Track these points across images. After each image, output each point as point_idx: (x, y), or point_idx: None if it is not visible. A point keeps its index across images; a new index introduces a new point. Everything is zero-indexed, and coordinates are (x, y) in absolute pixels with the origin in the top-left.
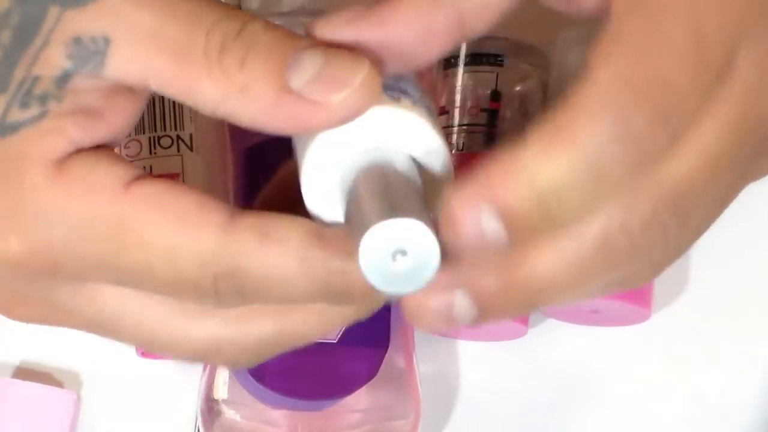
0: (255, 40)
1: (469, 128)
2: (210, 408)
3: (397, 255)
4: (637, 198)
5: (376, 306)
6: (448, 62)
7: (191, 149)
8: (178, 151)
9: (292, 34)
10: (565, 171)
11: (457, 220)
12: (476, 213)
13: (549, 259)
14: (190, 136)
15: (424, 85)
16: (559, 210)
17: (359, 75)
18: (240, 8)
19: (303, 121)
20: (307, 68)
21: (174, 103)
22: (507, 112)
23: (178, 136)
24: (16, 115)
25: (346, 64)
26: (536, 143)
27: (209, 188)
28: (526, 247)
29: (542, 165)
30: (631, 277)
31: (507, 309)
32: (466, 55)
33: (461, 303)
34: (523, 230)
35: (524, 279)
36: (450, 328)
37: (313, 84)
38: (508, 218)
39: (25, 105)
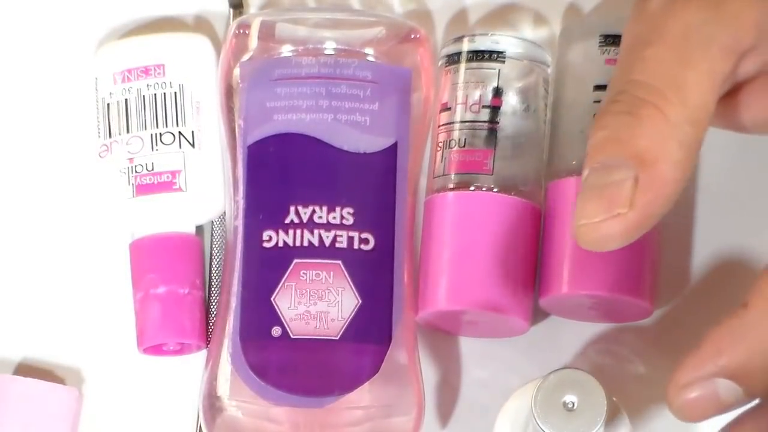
0: None
1: (471, 125)
2: (212, 405)
3: None
4: None
5: None
6: (451, 59)
7: (193, 146)
8: (180, 147)
9: None
10: None
11: (689, 388)
12: (708, 381)
13: None
14: (192, 132)
15: (425, 79)
16: None
17: None
18: (242, 7)
19: None
20: None
21: (176, 99)
22: (509, 109)
23: (180, 133)
24: None
25: None
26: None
27: (210, 185)
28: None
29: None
30: None
31: None
32: (468, 52)
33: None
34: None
35: None
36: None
37: None
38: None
39: None
